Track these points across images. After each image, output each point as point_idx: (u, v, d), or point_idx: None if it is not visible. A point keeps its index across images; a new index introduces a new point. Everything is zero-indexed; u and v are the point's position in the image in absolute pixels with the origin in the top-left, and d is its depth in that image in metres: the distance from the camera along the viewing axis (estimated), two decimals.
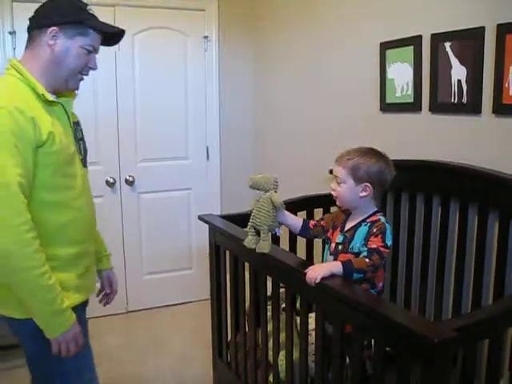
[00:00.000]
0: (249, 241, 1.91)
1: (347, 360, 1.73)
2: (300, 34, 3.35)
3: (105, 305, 2.05)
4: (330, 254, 1.91)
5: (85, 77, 1.71)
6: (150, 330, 3.58)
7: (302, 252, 2.61)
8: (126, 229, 3.78)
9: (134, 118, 3.71)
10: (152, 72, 3.71)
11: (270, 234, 1.89)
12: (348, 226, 1.89)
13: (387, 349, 1.48)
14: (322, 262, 1.94)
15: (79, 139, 1.77)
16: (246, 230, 1.93)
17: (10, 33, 3.31)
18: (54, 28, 1.58)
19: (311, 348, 1.88)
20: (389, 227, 1.79)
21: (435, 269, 2.32)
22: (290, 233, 2.56)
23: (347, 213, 1.93)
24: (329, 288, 1.62)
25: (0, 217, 1.42)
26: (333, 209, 2.69)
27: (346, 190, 1.82)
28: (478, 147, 2.17)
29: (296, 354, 1.94)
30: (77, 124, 1.78)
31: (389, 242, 1.75)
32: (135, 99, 3.69)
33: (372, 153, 1.84)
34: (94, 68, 1.71)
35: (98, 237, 1.97)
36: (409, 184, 2.43)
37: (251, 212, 1.90)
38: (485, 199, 2.08)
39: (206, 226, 2.45)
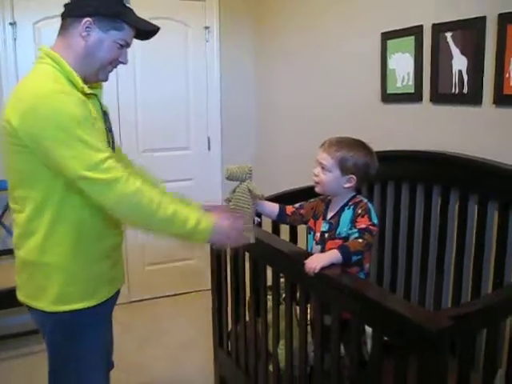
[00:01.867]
0: None
1: (342, 349, 1.74)
2: (301, 24, 3.34)
3: None
4: (316, 244, 1.90)
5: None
6: (152, 320, 3.61)
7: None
8: None
9: (135, 109, 3.71)
10: (153, 62, 3.71)
11: (252, 223, 1.86)
12: (330, 213, 1.89)
13: (385, 338, 1.48)
14: (311, 250, 1.94)
15: (109, 130, 1.76)
16: None
17: (11, 24, 3.30)
18: (89, 19, 1.55)
19: (310, 337, 1.89)
20: (372, 206, 1.81)
21: (435, 259, 2.32)
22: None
23: (326, 201, 1.93)
24: (328, 278, 1.62)
25: (109, 182, 1.47)
26: None
27: (330, 178, 1.82)
28: (478, 138, 2.16)
29: (295, 344, 1.96)
30: (106, 114, 1.77)
31: (375, 220, 1.76)
32: (136, 90, 3.70)
33: (360, 145, 1.83)
34: (125, 62, 1.69)
35: None
36: (409, 174, 2.43)
37: (228, 203, 1.87)
38: (485, 189, 2.08)
39: None
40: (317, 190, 1.90)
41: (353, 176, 1.80)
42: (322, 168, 1.83)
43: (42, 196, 1.53)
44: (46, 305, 1.61)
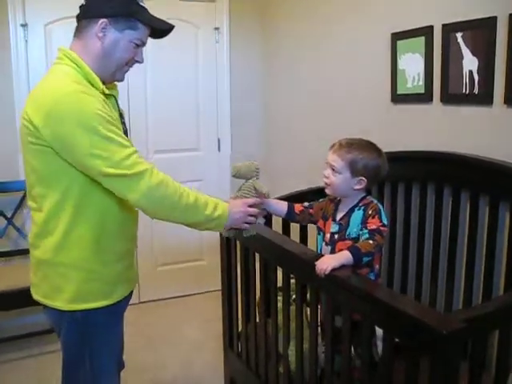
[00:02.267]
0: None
1: (352, 350, 1.74)
2: (311, 25, 3.34)
3: None
4: (326, 245, 1.90)
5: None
6: (162, 321, 3.62)
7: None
8: (139, 220, 3.79)
9: (146, 110, 3.73)
10: (163, 64, 3.72)
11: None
12: (340, 214, 1.89)
13: (396, 340, 1.48)
14: (320, 251, 1.94)
15: (125, 132, 1.77)
16: None
17: (22, 25, 3.32)
18: (104, 20, 1.56)
19: (321, 339, 1.89)
20: (382, 207, 1.81)
21: (446, 260, 2.31)
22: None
23: (336, 201, 1.93)
24: (338, 279, 1.62)
25: (136, 179, 1.50)
26: None
27: (341, 180, 1.82)
28: (489, 138, 2.15)
29: (306, 345, 1.95)
30: (122, 116, 1.79)
31: (385, 221, 1.76)
32: (147, 91, 3.71)
33: (371, 148, 1.83)
34: (141, 61, 1.70)
35: None
36: (419, 175, 2.43)
37: (233, 198, 1.89)
38: (496, 190, 2.07)
39: None
40: (327, 191, 1.90)
41: (363, 178, 1.80)
42: (333, 170, 1.83)
43: (60, 196, 1.55)
44: (62, 304, 1.62)
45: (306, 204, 2.04)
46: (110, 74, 1.66)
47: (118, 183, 1.50)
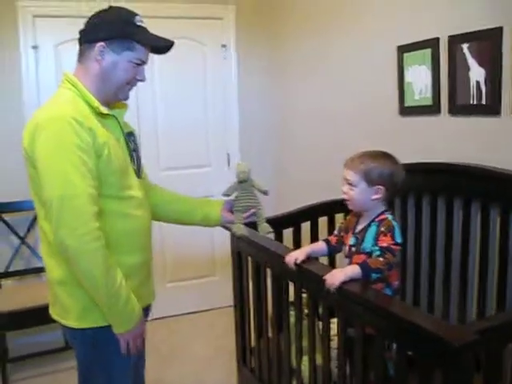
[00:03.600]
0: (240, 228, 1.94)
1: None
2: (317, 40, 3.36)
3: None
4: (346, 257, 1.92)
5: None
6: (173, 337, 3.61)
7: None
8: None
9: (156, 128, 3.76)
10: (172, 82, 3.76)
11: (264, 218, 1.96)
12: (359, 227, 1.89)
13: (409, 352, 1.47)
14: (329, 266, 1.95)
15: (132, 150, 1.79)
16: (235, 221, 1.98)
17: (33, 47, 3.38)
18: (102, 43, 1.60)
19: (334, 353, 1.88)
20: (397, 225, 1.80)
21: (458, 272, 2.30)
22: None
23: (358, 215, 1.94)
24: (349, 293, 1.62)
25: (70, 226, 1.47)
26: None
27: (358, 193, 1.83)
28: (498, 148, 2.15)
29: (319, 360, 1.95)
30: (130, 135, 1.81)
31: (399, 240, 1.75)
32: (156, 109, 3.75)
33: (383, 156, 1.84)
34: (143, 80, 1.72)
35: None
36: (430, 187, 2.42)
37: (235, 200, 1.97)
38: (506, 200, 2.06)
39: (228, 232, 2.46)
40: (349, 207, 1.91)
41: (380, 187, 1.80)
42: (349, 184, 1.84)
43: None
44: (72, 322, 1.65)
45: (336, 232, 2.06)
46: (112, 95, 1.68)
47: (58, 218, 1.48)
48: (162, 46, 1.72)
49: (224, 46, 3.86)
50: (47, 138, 1.49)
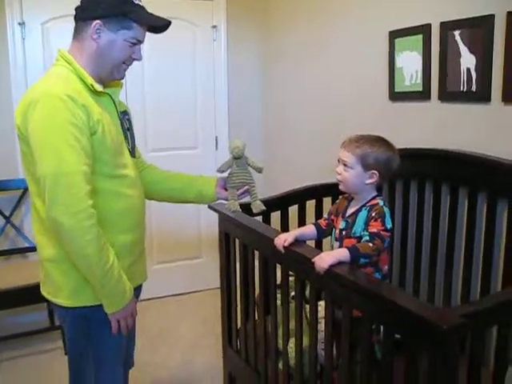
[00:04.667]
0: (234, 205, 1.94)
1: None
2: (309, 23, 3.35)
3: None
4: (336, 240, 1.92)
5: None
6: (160, 319, 3.62)
7: None
8: None
9: (144, 109, 3.73)
10: (161, 62, 3.73)
11: (257, 194, 1.99)
12: (349, 211, 1.90)
13: (396, 335, 1.49)
14: (332, 248, 1.95)
15: (127, 129, 1.78)
16: (229, 197, 2.00)
17: (20, 24, 3.32)
18: (98, 21, 1.58)
19: (321, 335, 1.90)
20: (387, 210, 1.80)
21: (444, 256, 2.33)
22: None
23: (349, 198, 1.94)
24: (337, 275, 1.63)
25: (64, 204, 1.47)
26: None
27: (353, 175, 1.82)
28: (487, 135, 2.16)
29: (305, 342, 1.96)
30: (125, 113, 1.80)
31: (389, 226, 1.76)
32: (144, 89, 3.72)
33: (381, 141, 1.85)
34: (139, 59, 1.70)
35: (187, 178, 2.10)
36: (418, 172, 2.44)
37: (229, 177, 1.97)
38: (494, 187, 2.09)
39: (215, 214, 2.46)
40: (340, 188, 1.91)
41: (375, 171, 1.81)
42: (345, 165, 1.84)
43: None
44: (63, 300, 1.66)
45: (326, 215, 2.05)
46: (108, 73, 1.67)
47: (51, 195, 1.48)
48: (159, 25, 1.71)
49: (214, 27, 3.83)
50: (40, 115, 1.47)
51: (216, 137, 3.98)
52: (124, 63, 1.67)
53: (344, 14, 2.99)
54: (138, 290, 1.85)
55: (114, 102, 1.72)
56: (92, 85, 1.60)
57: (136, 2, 1.64)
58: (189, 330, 3.45)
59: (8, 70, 3.34)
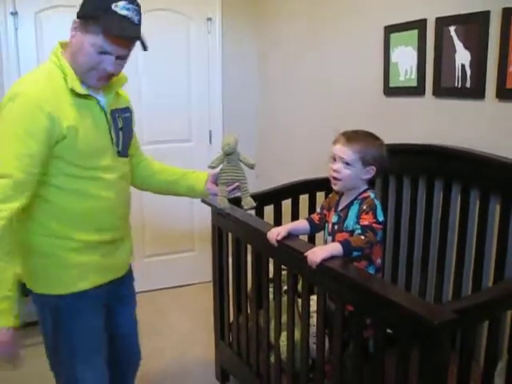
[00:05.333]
0: (224, 201, 1.94)
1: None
2: (304, 17, 3.33)
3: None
4: (329, 235, 1.93)
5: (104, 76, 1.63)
6: (152, 312, 3.61)
7: None
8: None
9: (139, 101, 3.69)
10: (155, 55, 3.67)
11: (249, 191, 1.97)
12: (341, 205, 1.90)
13: (388, 330, 1.50)
14: (325, 242, 1.95)
15: (119, 128, 1.75)
16: (219, 193, 1.98)
17: (12, 13, 3.29)
18: (77, 20, 1.59)
19: (312, 329, 1.90)
20: (378, 203, 1.80)
21: (436, 252, 2.33)
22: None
23: (340, 193, 1.94)
24: (330, 269, 1.63)
25: None
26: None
27: (354, 173, 1.81)
28: (480, 131, 2.17)
29: (297, 336, 1.97)
30: (123, 111, 1.78)
31: (380, 218, 1.76)
32: (139, 82, 3.68)
33: (373, 136, 1.86)
34: (110, 71, 1.61)
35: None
36: (411, 168, 2.44)
37: (220, 173, 1.96)
38: (487, 183, 2.09)
39: (208, 208, 2.46)
40: (336, 188, 1.88)
41: (372, 167, 1.81)
42: (345, 163, 1.81)
43: None
44: (34, 287, 1.69)
45: (319, 210, 2.05)
46: (83, 77, 1.61)
47: None
48: (124, 36, 1.58)
49: (209, 19, 3.81)
50: (6, 114, 1.53)
51: (210, 131, 3.96)
52: (93, 70, 1.59)
53: (339, 8, 2.98)
54: (116, 284, 1.85)
55: (100, 104, 1.67)
56: (73, 88, 1.58)
57: (116, 10, 1.53)
58: (181, 323, 3.45)
59: (0, 60, 3.31)
